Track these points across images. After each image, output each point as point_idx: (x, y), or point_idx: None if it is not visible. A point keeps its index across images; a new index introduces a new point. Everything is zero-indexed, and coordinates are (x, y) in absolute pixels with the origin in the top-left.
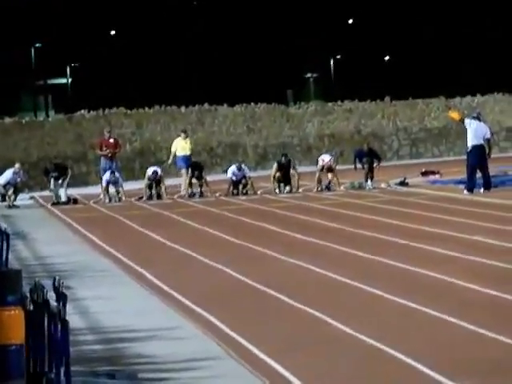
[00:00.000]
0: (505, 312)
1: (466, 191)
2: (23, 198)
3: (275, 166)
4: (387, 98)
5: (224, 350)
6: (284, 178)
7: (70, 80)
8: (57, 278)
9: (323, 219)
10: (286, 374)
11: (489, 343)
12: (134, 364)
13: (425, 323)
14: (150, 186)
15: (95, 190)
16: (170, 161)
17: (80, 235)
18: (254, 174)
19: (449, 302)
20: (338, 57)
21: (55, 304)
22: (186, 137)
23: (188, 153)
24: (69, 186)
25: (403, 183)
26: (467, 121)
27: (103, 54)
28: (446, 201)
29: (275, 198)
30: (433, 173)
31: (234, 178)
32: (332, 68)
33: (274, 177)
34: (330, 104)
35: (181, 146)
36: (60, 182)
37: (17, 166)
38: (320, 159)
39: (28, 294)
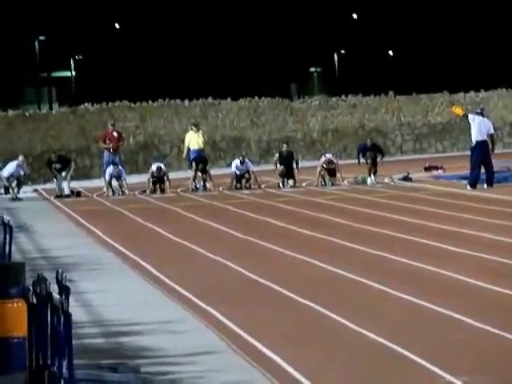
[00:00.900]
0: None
1: (469, 187)
2: (26, 191)
3: (277, 155)
4: (391, 93)
5: (226, 343)
6: (287, 172)
7: (73, 73)
8: (60, 270)
9: (327, 214)
10: (288, 368)
11: (493, 339)
12: (137, 357)
13: (429, 320)
14: (154, 183)
15: (98, 183)
16: (184, 154)
17: (83, 228)
18: (257, 168)
19: (456, 299)
20: (342, 51)
21: (58, 297)
22: (198, 130)
23: (201, 146)
24: (72, 178)
25: (406, 178)
26: (470, 116)
27: (107, 47)
28: (450, 196)
29: (278, 193)
30: (436, 168)
31: (237, 172)
32: (336, 62)
33: (276, 165)
34: (333, 99)
35: (194, 140)
36: (63, 174)
37: (20, 158)
38: (323, 156)
39: (31, 287)
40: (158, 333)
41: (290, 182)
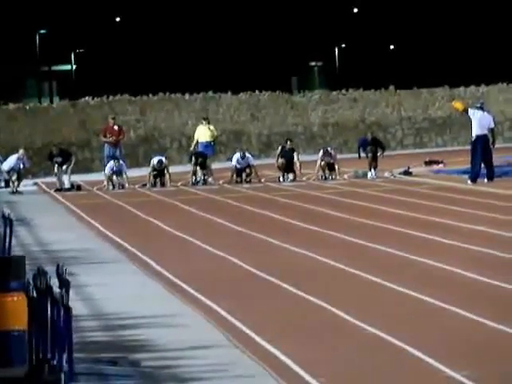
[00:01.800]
0: (508, 302)
1: (469, 181)
2: (27, 184)
3: (279, 148)
4: (391, 87)
5: (226, 337)
6: (287, 166)
7: (74, 66)
8: (60, 264)
9: (327, 208)
10: (288, 361)
11: (491, 332)
12: (137, 351)
13: (425, 312)
14: (155, 176)
15: (99, 176)
16: (192, 148)
17: (83, 222)
18: (257, 161)
19: (454, 293)
20: (343, 45)
21: (58, 290)
22: (208, 123)
23: (208, 139)
24: (72, 172)
25: (407, 172)
26: (471, 111)
27: (108, 40)
28: (450, 190)
29: (278, 187)
30: (436, 162)
31: (238, 166)
32: (337, 56)
33: (278, 160)
34: (334, 93)
35: (202, 133)
36: (64, 168)
37: (21, 151)
38: (323, 149)
39: (31, 281)
40: (158, 326)
41: (290, 175)
